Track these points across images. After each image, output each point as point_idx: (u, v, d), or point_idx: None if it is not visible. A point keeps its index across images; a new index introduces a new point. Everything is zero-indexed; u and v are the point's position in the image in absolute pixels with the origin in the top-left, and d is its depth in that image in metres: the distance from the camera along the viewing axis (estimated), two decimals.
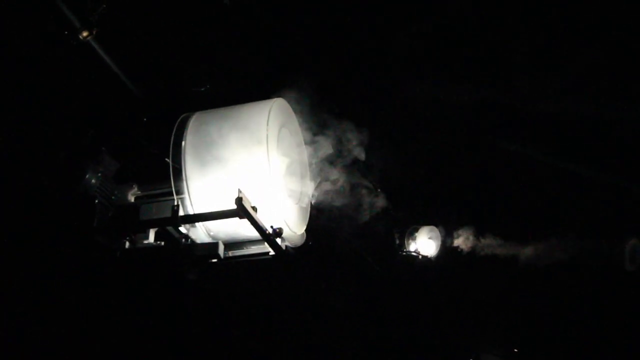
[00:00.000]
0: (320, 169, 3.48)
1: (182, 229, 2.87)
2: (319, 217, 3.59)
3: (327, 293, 4.89)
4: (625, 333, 6.93)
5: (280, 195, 2.80)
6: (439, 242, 6.80)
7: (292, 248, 3.07)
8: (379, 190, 6.11)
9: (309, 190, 3.18)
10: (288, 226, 2.87)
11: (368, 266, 6.17)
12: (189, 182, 2.82)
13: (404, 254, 6.76)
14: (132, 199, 2.98)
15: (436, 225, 6.82)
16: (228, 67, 3.39)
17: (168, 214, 2.81)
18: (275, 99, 2.94)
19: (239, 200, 2.64)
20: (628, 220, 6.32)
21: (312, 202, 3.37)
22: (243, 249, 3.04)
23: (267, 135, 2.77)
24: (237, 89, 3.32)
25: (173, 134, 2.88)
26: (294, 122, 3.13)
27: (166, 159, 2.88)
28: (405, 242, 6.76)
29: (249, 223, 2.71)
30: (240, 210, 2.64)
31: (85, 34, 2.91)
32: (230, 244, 2.99)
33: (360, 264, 6.03)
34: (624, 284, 6.63)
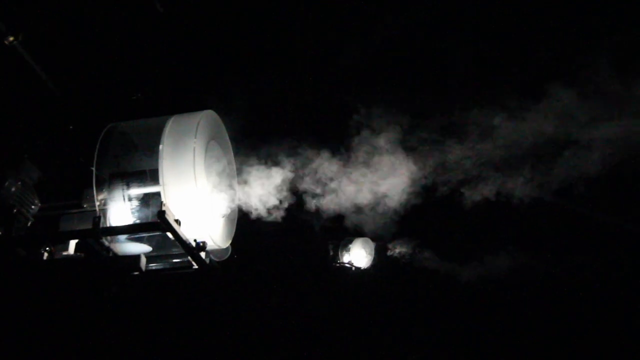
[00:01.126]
0: (251, 180, 3.49)
1: (104, 241, 2.82)
2: (250, 229, 3.59)
3: (255, 305, 4.88)
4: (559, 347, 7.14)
5: (204, 209, 2.78)
6: (373, 255, 6.89)
7: (216, 262, 3.06)
8: (315, 201, 6.15)
9: (236, 203, 3.18)
10: (212, 240, 2.86)
11: (300, 277, 6.19)
12: (112, 193, 2.78)
13: (338, 265, 6.82)
14: (52, 209, 2.90)
15: (371, 238, 6.91)
16: (160, 77, 3.35)
17: (89, 225, 2.75)
18: (205, 111, 2.93)
19: (162, 214, 2.61)
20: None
21: (242, 214, 3.37)
22: (167, 261, 3.02)
23: (194, 148, 2.76)
24: (167, 100, 3.29)
25: (98, 143, 2.83)
26: (223, 134, 3.12)
27: (91, 168, 2.82)
28: (339, 253, 6.82)
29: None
30: (163, 223, 2.62)
31: (11, 38, 2.83)
32: (155, 257, 2.96)
33: (292, 275, 6.05)
34: (557, 299, 6.83)
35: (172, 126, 2.83)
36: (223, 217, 3.02)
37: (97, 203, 2.78)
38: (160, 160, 2.75)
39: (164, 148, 2.76)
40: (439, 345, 7.41)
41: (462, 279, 7.00)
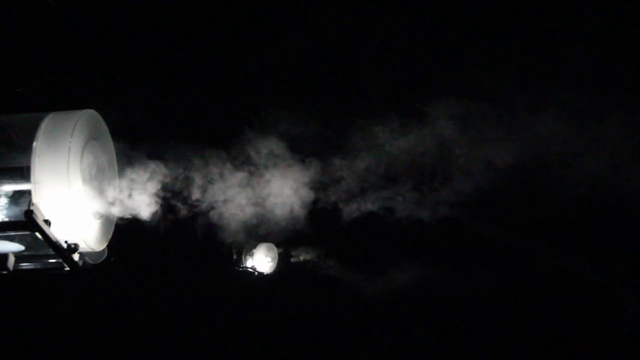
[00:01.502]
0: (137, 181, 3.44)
1: None
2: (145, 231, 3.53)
3: (148, 308, 4.80)
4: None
5: (77, 210, 2.72)
6: (276, 260, 6.92)
7: (90, 264, 3.00)
8: (214, 206, 6.11)
9: (115, 205, 3.12)
10: (85, 242, 2.80)
11: (202, 281, 6.14)
12: None
13: (241, 269, 6.81)
14: None
15: (275, 243, 6.93)
16: (45, 71, 3.25)
17: None
18: (85, 110, 2.87)
19: (29, 213, 2.54)
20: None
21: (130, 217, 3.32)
22: (41, 261, 2.93)
23: (69, 147, 2.70)
24: (49, 97, 3.19)
25: None
26: (105, 135, 3.06)
27: None
28: (243, 257, 6.81)
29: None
30: (30, 223, 2.54)
31: None
32: (27, 256, 2.87)
33: (194, 279, 6.00)
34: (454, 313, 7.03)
35: (48, 123, 2.75)
36: (99, 219, 2.96)
37: None
38: (33, 158, 2.67)
39: (38, 145, 2.69)
40: (337, 353, 7.51)
41: (364, 289, 7.12)
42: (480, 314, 6.81)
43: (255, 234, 6.75)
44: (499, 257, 6.52)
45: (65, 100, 3.02)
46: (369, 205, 5.40)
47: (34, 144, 2.70)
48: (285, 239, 6.72)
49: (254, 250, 6.83)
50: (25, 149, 2.71)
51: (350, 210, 5.68)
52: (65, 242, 2.71)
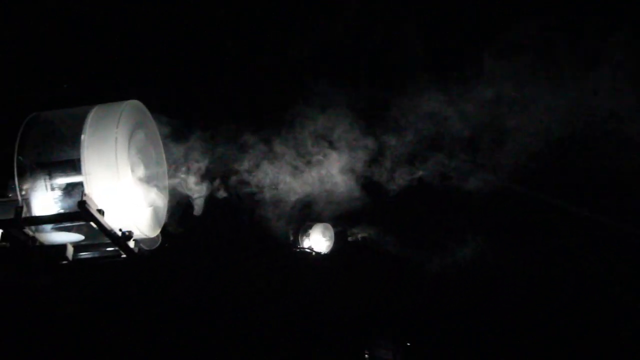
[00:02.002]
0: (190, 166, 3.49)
1: (28, 230, 2.81)
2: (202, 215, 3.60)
3: (201, 292, 4.89)
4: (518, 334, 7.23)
5: (129, 198, 2.78)
6: (333, 240, 6.93)
7: (147, 250, 3.07)
8: (275, 187, 6.15)
9: (166, 192, 3.17)
10: (139, 229, 2.86)
11: (259, 263, 6.21)
12: (34, 183, 2.76)
13: (298, 250, 6.86)
14: None
15: (330, 223, 6.94)
16: (84, 66, 3.32)
17: (12, 215, 2.74)
18: (129, 101, 2.92)
19: (82, 203, 2.61)
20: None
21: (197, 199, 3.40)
22: (98, 250, 3.02)
23: (116, 137, 2.75)
24: (91, 90, 3.26)
25: (20, 132, 2.81)
26: (151, 124, 3.11)
27: (13, 157, 2.80)
28: (299, 238, 6.86)
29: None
30: (84, 213, 2.61)
31: None
32: (84, 245, 2.95)
33: (251, 261, 6.07)
34: (523, 290, 6.89)
35: (94, 116, 2.81)
36: (151, 205, 3.02)
37: (20, 192, 2.77)
38: (82, 150, 2.74)
39: (86, 137, 2.75)
40: (399, 332, 7.50)
41: (425, 266, 7.05)
42: (551, 290, 6.65)
43: (310, 214, 6.79)
44: (564, 227, 6.34)
45: (108, 93, 3.06)
46: (424, 177, 5.35)
47: (82, 136, 2.76)
48: (341, 218, 6.72)
49: (310, 231, 6.86)
50: (74, 142, 2.78)
51: (404, 183, 5.64)
52: (120, 230, 2.77)
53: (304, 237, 6.86)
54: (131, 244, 2.90)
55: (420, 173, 5.05)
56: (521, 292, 6.73)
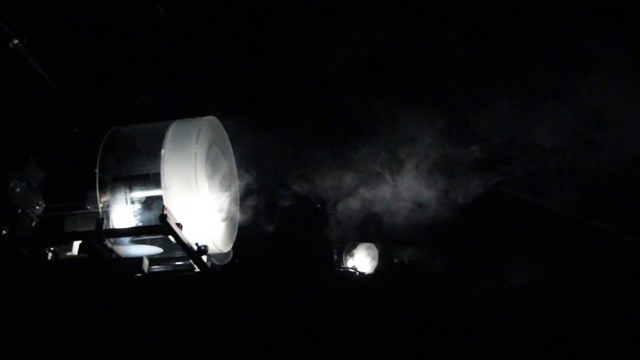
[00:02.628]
0: (255, 185, 3.53)
1: (107, 243, 2.86)
2: (252, 234, 3.62)
3: (257, 309, 4.91)
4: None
5: (206, 213, 2.81)
6: (377, 260, 6.90)
7: (218, 265, 3.09)
8: (319, 206, 6.17)
9: (237, 208, 3.21)
10: (214, 244, 2.89)
11: (302, 282, 6.21)
12: (114, 196, 2.81)
13: (342, 270, 6.84)
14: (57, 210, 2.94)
15: (374, 243, 6.92)
16: (162, 81, 3.39)
17: (92, 227, 2.79)
18: (207, 117, 2.97)
19: (163, 217, 2.64)
20: None
21: (244, 219, 3.40)
22: (170, 264, 3.05)
23: (195, 153, 2.80)
24: (169, 105, 3.32)
25: (101, 146, 2.87)
26: (225, 140, 3.16)
27: (94, 171, 2.86)
28: (343, 258, 6.84)
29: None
30: (164, 227, 2.65)
31: (15, 41, 2.88)
32: (157, 259, 2.99)
33: (295, 280, 6.07)
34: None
35: (174, 131, 2.87)
36: (224, 221, 3.05)
37: (100, 205, 2.82)
38: (162, 165, 2.78)
39: (166, 152, 2.80)
40: (444, 354, 7.40)
41: (471, 287, 6.96)
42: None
43: (355, 234, 6.78)
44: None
45: (183, 109, 3.12)
46: (474, 200, 5.31)
47: (162, 151, 2.81)
48: (387, 238, 6.70)
49: (354, 250, 6.84)
50: (154, 156, 2.83)
51: (453, 206, 5.61)
52: (196, 244, 2.80)
53: (348, 257, 6.85)
54: (204, 258, 2.93)
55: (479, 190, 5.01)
56: (581, 324, 6.60)
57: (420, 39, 4.47)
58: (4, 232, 2.83)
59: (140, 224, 2.80)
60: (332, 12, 4.05)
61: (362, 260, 6.86)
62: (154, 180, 2.81)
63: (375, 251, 6.91)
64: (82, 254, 2.89)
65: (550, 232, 6.05)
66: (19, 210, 2.88)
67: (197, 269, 2.92)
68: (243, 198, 3.55)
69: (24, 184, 2.92)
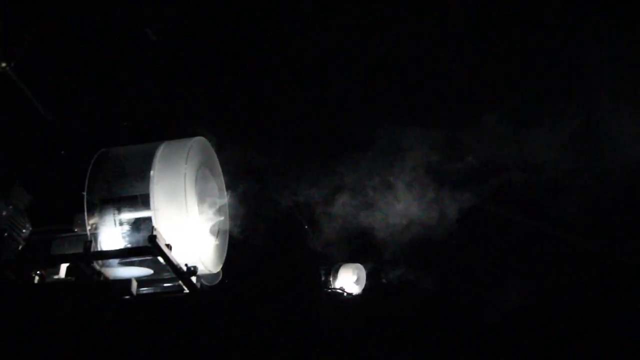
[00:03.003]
0: (242, 204, 3.51)
1: (95, 265, 2.83)
2: (239, 253, 3.60)
3: (245, 329, 4.87)
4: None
5: (195, 234, 2.80)
6: (364, 280, 6.88)
7: (207, 286, 3.08)
8: (306, 227, 6.17)
9: (227, 228, 3.20)
10: (203, 264, 2.88)
11: (291, 302, 6.18)
12: (103, 218, 2.79)
13: (329, 291, 6.81)
14: (44, 233, 2.92)
15: (362, 263, 6.91)
16: (151, 104, 3.39)
17: (80, 249, 2.77)
18: (196, 138, 2.97)
19: (152, 238, 2.63)
20: None
21: (231, 239, 3.39)
22: (159, 285, 3.03)
23: (185, 173, 2.79)
24: (157, 127, 3.32)
25: (90, 168, 2.86)
26: (214, 160, 3.16)
27: (82, 193, 2.84)
28: (331, 279, 6.82)
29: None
30: (154, 248, 2.63)
31: (3, 64, 2.88)
32: (145, 280, 2.97)
33: (283, 301, 6.03)
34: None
35: (163, 152, 2.86)
36: (214, 241, 3.04)
37: (89, 227, 2.80)
38: (151, 186, 2.77)
39: (155, 173, 2.79)
40: None
41: (457, 306, 6.96)
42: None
43: (343, 254, 6.77)
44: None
45: (171, 131, 3.13)
46: (462, 218, 5.33)
47: (151, 172, 2.80)
48: (375, 257, 6.69)
49: (341, 271, 6.83)
50: (143, 177, 2.82)
51: (444, 226, 5.62)
52: (185, 264, 2.79)
53: (335, 278, 6.83)
54: (194, 279, 2.91)
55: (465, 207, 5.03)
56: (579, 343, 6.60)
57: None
58: None
59: (129, 246, 2.78)
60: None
61: (350, 280, 6.84)
62: (143, 201, 2.79)
63: (362, 271, 6.90)
64: (69, 277, 2.85)
65: (539, 249, 6.08)
66: (5, 234, 2.85)
67: (187, 290, 2.90)
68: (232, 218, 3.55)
69: (10, 207, 2.89)
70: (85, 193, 2.80)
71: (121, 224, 2.81)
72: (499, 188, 5.01)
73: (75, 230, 2.90)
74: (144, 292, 2.98)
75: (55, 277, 2.84)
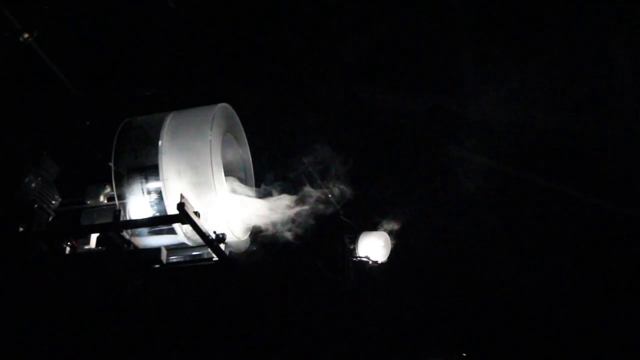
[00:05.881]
0: (268, 174, 3.50)
1: (125, 234, 2.84)
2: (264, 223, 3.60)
3: (272, 299, 4.89)
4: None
5: (223, 201, 2.79)
6: (389, 248, 6.88)
7: (236, 253, 3.08)
8: (331, 195, 6.16)
9: (254, 195, 3.19)
10: (232, 232, 2.87)
11: (317, 272, 6.20)
12: (130, 187, 2.80)
13: (355, 259, 6.83)
14: (73, 204, 2.94)
15: (387, 231, 6.90)
16: (173, 72, 3.38)
17: (110, 219, 2.78)
18: (219, 104, 2.94)
19: (181, 206, 2.63)
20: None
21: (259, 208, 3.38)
22: (186, 254, 3.04)
23: (210, 140, 2.77)
24: (181, 94, 3.31)
25: (115, 138, 2.86)
26: (239, 127, 3.14)
27: (109, 164, 2.85)
28: (356, 247, 6.83)
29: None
30: (182, 216, 2.63)
31: (26, 35, 2.87)
32: (174, 249, 2.98)
33: (310, 270, 6.06)
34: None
35: (171, 121, 2.84)
36: (241, 208, 3.03)
37: (119, 197, 2.80)
38: (164, 155, 2.76)
39: (165, 143, 2.77)
40: (457, 342, 7.40)
41: (483, 274, 6.94)
42: None
43: (367, 223, 6.77)
44: None
45: (194, 99, 3.11)
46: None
47: (164, 141, 2.79)
48: (399, 226, 6.68)
49: (367, 239, 6.83)
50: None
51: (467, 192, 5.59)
52: (214, 232, 2.79)
53: (360, 246, 6.84)
54: (222, 246, 2.91)
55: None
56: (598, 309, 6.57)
57: None
58: (21, 229, 2.83)
59: (158, 214, 2.78)
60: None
61: (376, 248, 6.84)
62: (170, 169, 2.78)
63: (387, 239, 6.90)
64: (100, 247, 2.87)
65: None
66: (35, 205, 2.87)
67: (216, 258, 2.90)
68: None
69: (39, 179, 2.91)
70: (112, 164, 2.80)
71: (149, 192, 2.81)
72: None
73: (102, 200, 2.91)
74: (174, 260, 2.98)
75: (86, 247, 2.86)
